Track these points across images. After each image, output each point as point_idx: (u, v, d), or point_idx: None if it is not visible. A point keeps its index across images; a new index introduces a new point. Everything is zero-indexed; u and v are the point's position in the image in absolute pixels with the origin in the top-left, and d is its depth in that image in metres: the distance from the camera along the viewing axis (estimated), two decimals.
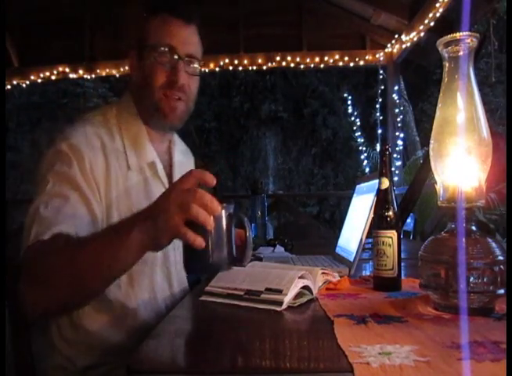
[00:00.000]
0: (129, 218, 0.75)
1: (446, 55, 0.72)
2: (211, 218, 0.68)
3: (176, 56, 1.00)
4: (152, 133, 1.07)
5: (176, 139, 1.19)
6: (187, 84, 1.02)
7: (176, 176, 1.09)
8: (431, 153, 0.73)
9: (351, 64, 4.71)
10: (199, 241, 0.68)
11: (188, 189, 0.69)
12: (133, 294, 0.96)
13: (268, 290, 0.76)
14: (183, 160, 1.19)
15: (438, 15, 3.59)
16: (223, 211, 0.72)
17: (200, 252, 0.70)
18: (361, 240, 1.04)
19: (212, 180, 0.71)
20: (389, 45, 4.54)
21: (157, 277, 1.01)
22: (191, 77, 1.04)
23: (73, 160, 0.91)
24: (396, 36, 4.39)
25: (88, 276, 0.75)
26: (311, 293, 0.81)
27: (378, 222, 0.89)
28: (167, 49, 1.00)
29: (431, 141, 0.73)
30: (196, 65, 1.05)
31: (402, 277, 0.88)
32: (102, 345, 0.94)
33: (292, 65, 4.72)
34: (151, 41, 1.01)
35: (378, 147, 5.96)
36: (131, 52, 1.06)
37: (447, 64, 0.72)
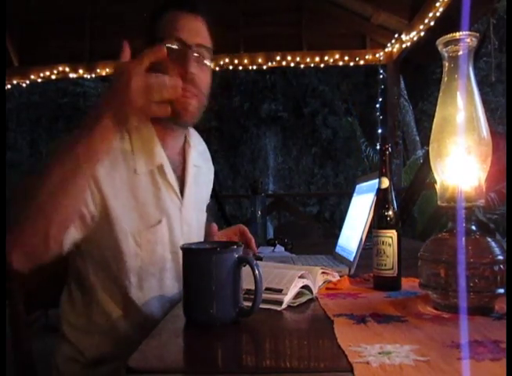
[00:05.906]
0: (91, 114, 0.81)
1: (446, 54, 0.72)
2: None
3: (184, 46, 0.96)
4: (163, 132, 1.02)
5: (194, 138, 1.14)
6: (198, 75, 0.97)
7: (188, 182, 1.05)
8: (431, 152, 0.73)
9: (351, 64, 4.71)
10: (165, 109, 0.80)
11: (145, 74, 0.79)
12: (142, 295, 0.95)
13: (268, 289, 0.75)
14: (199, 162, 1.13)
15: (438, 14, 3.59)
16: (229, 255, 0.65)
17: (201, 302, 0.65)
18: (361, 239, 1.05)
19: (160, 51, 0.83)
20: (389, 45, 4.54)
21: (167, 280, 0.99)
22: (202, 68, 0.98)
23: None
24: (396, 35, 4.39)
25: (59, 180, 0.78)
26: (311, 292, 0.81)
27: (378, 222, 0.89)
28: (175, 41, 0.96)
29: (431, 141, 0.73)
30: (206, 55, 0.99)
31: (402, 277, 0.89)
32: (113, 337, 0.94)
33: (292, 64, 4.72)
34: (160, 36, 0.97)
35: (378, 147, 5.95)
36: (139, 51, 1.03)
37: (447, 64, 0.72)
